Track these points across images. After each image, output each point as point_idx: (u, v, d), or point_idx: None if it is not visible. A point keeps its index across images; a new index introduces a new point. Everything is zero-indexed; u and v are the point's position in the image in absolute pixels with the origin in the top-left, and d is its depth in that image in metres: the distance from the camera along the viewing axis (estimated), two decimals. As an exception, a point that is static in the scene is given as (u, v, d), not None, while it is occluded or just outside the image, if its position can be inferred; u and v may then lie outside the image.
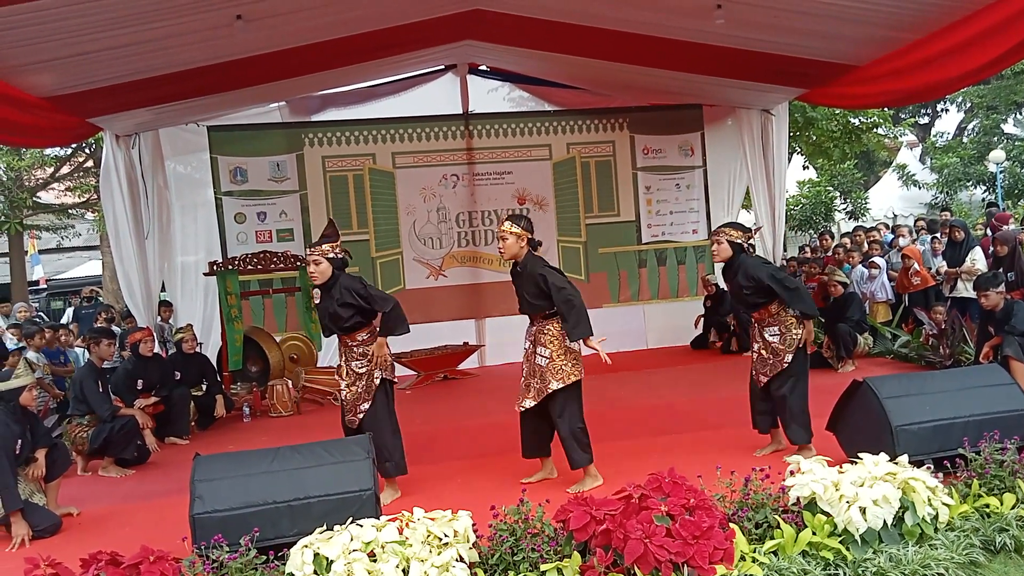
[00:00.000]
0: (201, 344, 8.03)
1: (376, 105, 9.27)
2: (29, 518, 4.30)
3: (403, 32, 6.62)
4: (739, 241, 4.71)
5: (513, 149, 9.62)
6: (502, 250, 4.51)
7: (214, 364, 7.54)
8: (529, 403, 4.44)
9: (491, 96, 9.66)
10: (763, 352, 4.74)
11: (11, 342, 7.80)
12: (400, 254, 9.44)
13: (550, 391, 4.35)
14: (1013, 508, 3.46)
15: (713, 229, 4.66)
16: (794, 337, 4.63)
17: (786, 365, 4.63)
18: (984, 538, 3.31)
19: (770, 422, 4.83)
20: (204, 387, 7.02)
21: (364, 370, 4.56)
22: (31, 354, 7.24)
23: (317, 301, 4.68)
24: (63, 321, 11.74)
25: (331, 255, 4.56)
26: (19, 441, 4.39)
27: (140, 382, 6.27)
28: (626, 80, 8.57)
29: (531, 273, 4.43)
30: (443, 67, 9.22)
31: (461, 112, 9.46)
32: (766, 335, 4.71)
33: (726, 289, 9.17)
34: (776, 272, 4.74)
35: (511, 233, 4.44)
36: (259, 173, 9.06)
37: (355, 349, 4.60)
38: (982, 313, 6.13)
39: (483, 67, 9.40)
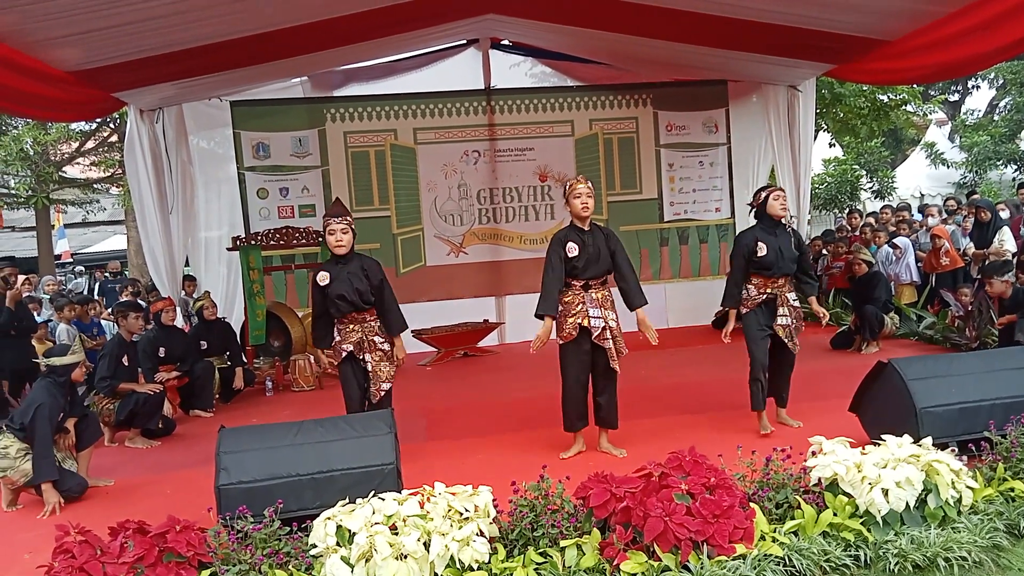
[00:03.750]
0: (224, 318, 8.11)
1: (398, 80, 9.22)
2: (57, 484, 4.40)
3: (425, 6, 6.55)
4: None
5: (535, 125, 9.54)
6: (587, 208, 4.50)
7: (237, 334, 7.62)
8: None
9: (513, 71, 9.56)
10: (789, 318, 4.84)
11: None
12: (421, 231, 9.45)
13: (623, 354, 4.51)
14: (1038, 492, 3.42)
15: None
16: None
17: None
18: (1008, 522, 3.28)
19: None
20: (227, 359, 7.10)
21: (386, 347, 4.56)
22: (62, 327, 7.34)
23: (325, 283, 4.39)
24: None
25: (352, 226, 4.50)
26: (61, 413, 4.52)
27: (163, 350, 6.36)
28: (650, 55, 8.44)
29: (605, 234, 4.56)
30: (465, 42, 9.13)
31: (483, 87, 9.38)
32: (790, 298, 4.88)
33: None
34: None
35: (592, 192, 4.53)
36: (281, 148, 9.09)
37: (374, 324, 4.54)
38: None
39: (505, 41, 9.31)
